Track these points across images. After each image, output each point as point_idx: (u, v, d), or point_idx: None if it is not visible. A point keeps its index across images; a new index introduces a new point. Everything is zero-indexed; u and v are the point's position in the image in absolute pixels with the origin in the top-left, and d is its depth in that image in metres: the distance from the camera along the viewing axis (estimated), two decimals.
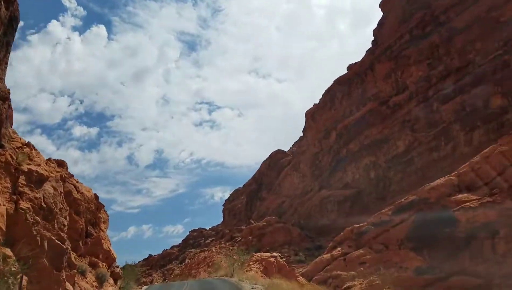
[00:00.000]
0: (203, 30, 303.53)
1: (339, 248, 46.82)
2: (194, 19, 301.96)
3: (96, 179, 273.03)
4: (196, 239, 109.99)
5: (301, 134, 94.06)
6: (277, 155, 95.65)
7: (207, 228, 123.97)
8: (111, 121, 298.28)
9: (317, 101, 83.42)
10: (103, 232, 21.35)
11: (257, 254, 38.51)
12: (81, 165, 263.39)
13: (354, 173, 68.77)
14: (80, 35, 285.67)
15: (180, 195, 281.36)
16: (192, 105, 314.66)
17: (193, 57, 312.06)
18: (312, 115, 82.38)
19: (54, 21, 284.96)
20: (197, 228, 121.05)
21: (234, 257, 30.42)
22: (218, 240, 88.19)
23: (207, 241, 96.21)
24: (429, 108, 62.13)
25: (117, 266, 21.48)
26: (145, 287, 27.32)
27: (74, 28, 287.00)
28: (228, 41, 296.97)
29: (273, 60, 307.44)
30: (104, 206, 22.08)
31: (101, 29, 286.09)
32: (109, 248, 21.21)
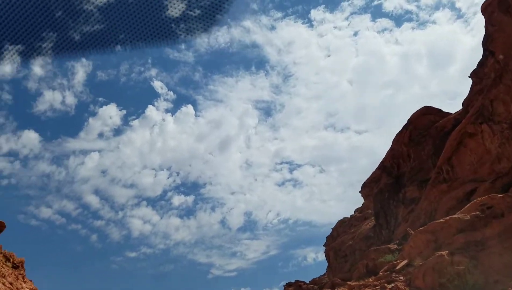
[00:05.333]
0: (276, 95, 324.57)
1: None
2: (267, 87, 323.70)
3: (196, 244, 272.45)
4: None
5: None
6: (425, 117, 52.13)
7: (307, 282, 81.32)
8: (204, 188, 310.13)
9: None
10: None
11: None
12: (181, 232, 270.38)
13: None
14: (172, 116, 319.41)
15: (272, 257, 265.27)
16: (273, 166, 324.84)
17: (269, 122, 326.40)
18: (506, 6, 40.81)
19: (150, 106, 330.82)
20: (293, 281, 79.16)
21: None
22: None
23: None
24: None
25: None
26: None
27: (167, 110, 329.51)
28: (301, 102, 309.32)
29: (349, 113, 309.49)
30: None
31: (189, 108, 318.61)
32: None
